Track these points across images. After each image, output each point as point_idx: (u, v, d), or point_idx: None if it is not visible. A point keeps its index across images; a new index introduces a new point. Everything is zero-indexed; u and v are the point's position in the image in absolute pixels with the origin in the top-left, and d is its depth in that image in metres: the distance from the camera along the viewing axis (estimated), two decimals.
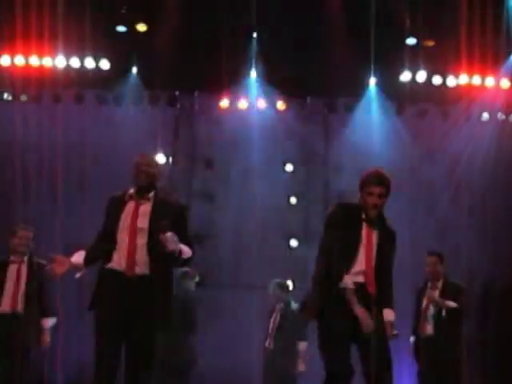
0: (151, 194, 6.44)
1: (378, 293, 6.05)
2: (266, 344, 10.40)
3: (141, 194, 6.38)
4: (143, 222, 6.24)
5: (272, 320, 10.47)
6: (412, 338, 10.14)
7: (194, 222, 13.94)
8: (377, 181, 6.15)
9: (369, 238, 6.10)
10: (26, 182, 13.14)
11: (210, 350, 11.77)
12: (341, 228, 6.14)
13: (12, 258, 9.44)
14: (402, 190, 13.30)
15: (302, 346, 10.18)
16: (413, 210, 13.45)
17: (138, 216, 6.26)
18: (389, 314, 6.10)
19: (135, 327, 6.10)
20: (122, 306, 6.11)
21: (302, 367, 10.25)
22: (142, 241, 6.19)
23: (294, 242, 13.85)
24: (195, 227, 13.95)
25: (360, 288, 6.02)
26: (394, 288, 6.26)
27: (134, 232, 6.19)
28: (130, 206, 6.33)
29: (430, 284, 9.76)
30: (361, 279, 6.06)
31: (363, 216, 6.16)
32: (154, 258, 6.17)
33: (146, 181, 6.43)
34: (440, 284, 9.60)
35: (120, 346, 6.14)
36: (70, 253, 6.57)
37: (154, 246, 6.11)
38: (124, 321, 6.10)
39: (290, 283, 11.44)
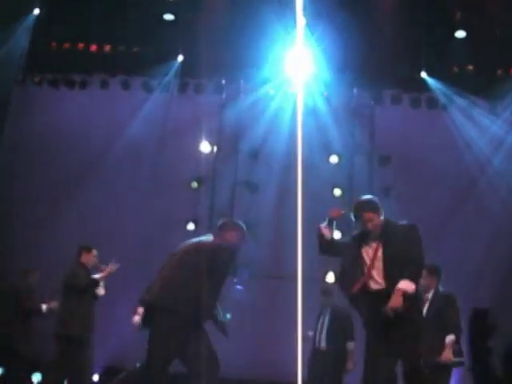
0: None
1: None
2: (317, 344, 10.50)
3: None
4: None
5: (320, 322, 10.59)
6: None
7: (238, 211, 14.01)
8: (355, 215, 7.23)
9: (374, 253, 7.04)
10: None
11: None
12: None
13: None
14: (444, 180, 13.34)
15: (351, 345, 10.32)
16: (453, 196, 13.40)
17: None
18: (401, 284, 6.73)
19: None
20: None
21: (350, 366, 10.37)
22: None
23: (336, 234, 13.74)
24: (238, 216, 14.03)
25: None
26: None
27: None
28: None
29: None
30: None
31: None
32: None
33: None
34: (430, 295, 9.68)
35: None
36: None
37: None
38: None
39: (333, 287, 11.40)
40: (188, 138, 13.71)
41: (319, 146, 13.56)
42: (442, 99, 13.64)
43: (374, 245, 7.06)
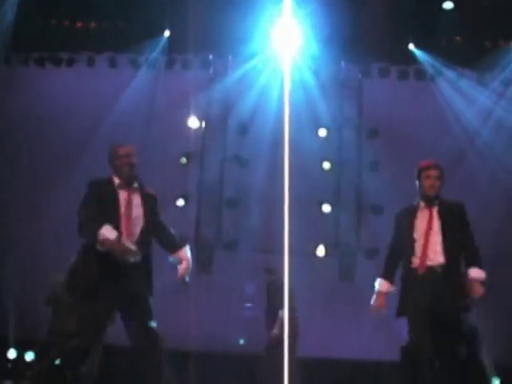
0: (136, 185, 6.75)
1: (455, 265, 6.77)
2: None
3: (130, 185, 6.70)
4: (137, 212, 6.62)
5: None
6: None
7: (227, 187, 14.01)
8: (432, 165, 7.12)
9: (429, 223, 6.90)
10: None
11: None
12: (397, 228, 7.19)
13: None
14: (433, 152, 13.35)
15: (280, 313, 10.43)
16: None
17: (132, 206, 6.61)
18: (473, 272, 6.72)
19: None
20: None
21: (275, 332, 10.45)
22: (136, 229, 6.55)
23: (326, 207, 13.79)
24: (228, 192, 14.04)
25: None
26: None
27: (129, 221, 6.55)
28: (123, 195, 6.66)
29: None
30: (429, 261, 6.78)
31: (420, 203, 7.08)
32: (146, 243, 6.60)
33: (130, 172, 6.72)
34: None
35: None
36: None
37: (147, 232, 6.61)
38: None
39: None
40: (176, 114, 13.67)
41: (307, 120, 13.53)
42: (430, 71, 13.64)
43: (427, 216, 6.98)
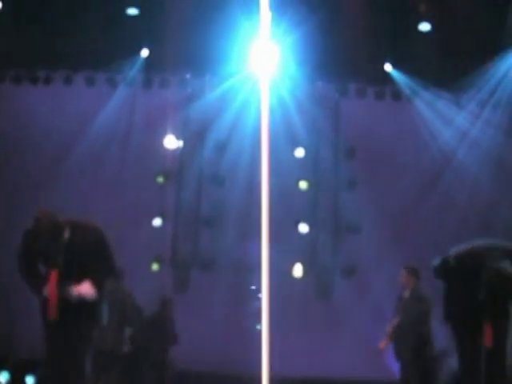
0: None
1: None
2: None
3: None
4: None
5: None
6: None
7: (205, 205, 14.00)
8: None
9: None
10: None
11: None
12: None
13: None
14: (410, 172, 13.44)
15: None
16: (418, 188, 13.51)
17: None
18: None
19: None
20: None
21: None
22: None
23: (303, 227, 13.80)
24: (205, 210, 14.02)
25: None
26: None
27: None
28: None
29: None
30: None
31: None
32: None
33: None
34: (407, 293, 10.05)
35: None
36: None
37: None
38: None
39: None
40: (154, 133, 13.67)
41: (285, 139, 13.57)
42: (407, 92, 13.72)
43: None
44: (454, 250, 6.93)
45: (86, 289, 6.44)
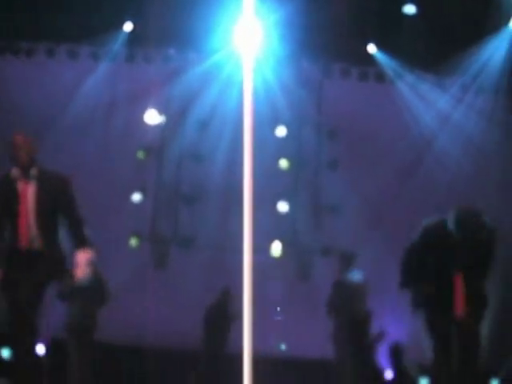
0: (34, 171, 6.68)
1: None
2: None
3: (26, 173, 6.64)
4: (31, 203, 6.58)
5: None
6: None
7: (185, 183, 13.96)
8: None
9: None
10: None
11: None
12: None
13: None
14: (391, 154, 13.46)
15: None
16: (399, 171, 13.54)
17: (27, 197, 6.59)
18: None
19: None
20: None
21: None
22: (32, 221, 6.56)
23: (283, 206, 13.80)
24: (186, 187, 13.99)
25: None
26: None
27: (26, 213, 6.54)
28: (20, 186, 6.62)
29: None
30: None
31: None
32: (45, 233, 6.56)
33: (27, 159, 6.64)
34: None
35: None
36: None
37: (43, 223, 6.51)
38: None
39: None
40: (136, 108, 13.61)
41: (267, 118, 13.53)
42: (390, 74, 13.72)
43: None
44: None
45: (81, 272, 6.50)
